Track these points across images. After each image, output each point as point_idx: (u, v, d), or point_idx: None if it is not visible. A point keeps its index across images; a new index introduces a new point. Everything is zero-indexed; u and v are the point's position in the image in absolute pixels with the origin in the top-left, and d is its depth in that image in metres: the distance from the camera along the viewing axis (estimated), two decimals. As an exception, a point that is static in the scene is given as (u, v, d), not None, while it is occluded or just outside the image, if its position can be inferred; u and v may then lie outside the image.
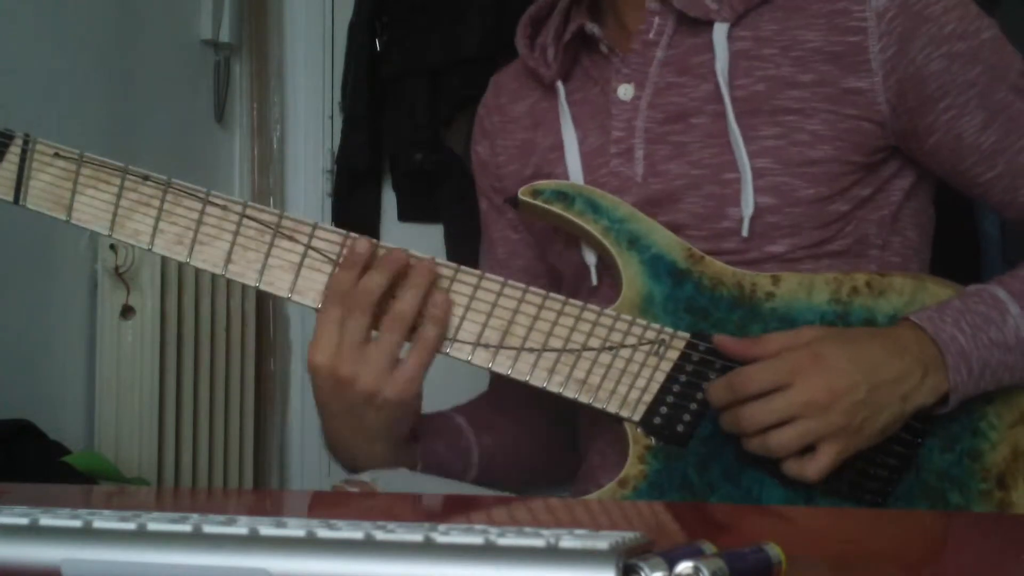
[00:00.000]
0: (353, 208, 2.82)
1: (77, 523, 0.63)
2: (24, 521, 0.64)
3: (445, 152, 2.71)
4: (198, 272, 2.45)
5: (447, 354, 1.14)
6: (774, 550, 0.63)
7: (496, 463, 1.29)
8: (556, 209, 1.17)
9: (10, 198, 1.15)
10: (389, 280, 1.10)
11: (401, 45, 2.78)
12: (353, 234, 1.14)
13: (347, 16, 2.89)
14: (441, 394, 1.35)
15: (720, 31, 1.18)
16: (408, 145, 2.78)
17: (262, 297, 2.75)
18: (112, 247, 2.31)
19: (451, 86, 2.69)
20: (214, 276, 2.49)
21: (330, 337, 1.10)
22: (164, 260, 2.34)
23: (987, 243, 2.02)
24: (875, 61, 1.15)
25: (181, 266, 2.39)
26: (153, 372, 2.33)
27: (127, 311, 2.33)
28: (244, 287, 2.59)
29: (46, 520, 0.64)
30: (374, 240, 1.14)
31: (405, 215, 2.81)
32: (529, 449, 1.34)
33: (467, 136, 2.61)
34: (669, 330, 1.14)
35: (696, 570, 0.58)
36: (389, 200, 2.87)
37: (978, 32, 1.17)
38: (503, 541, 0.58)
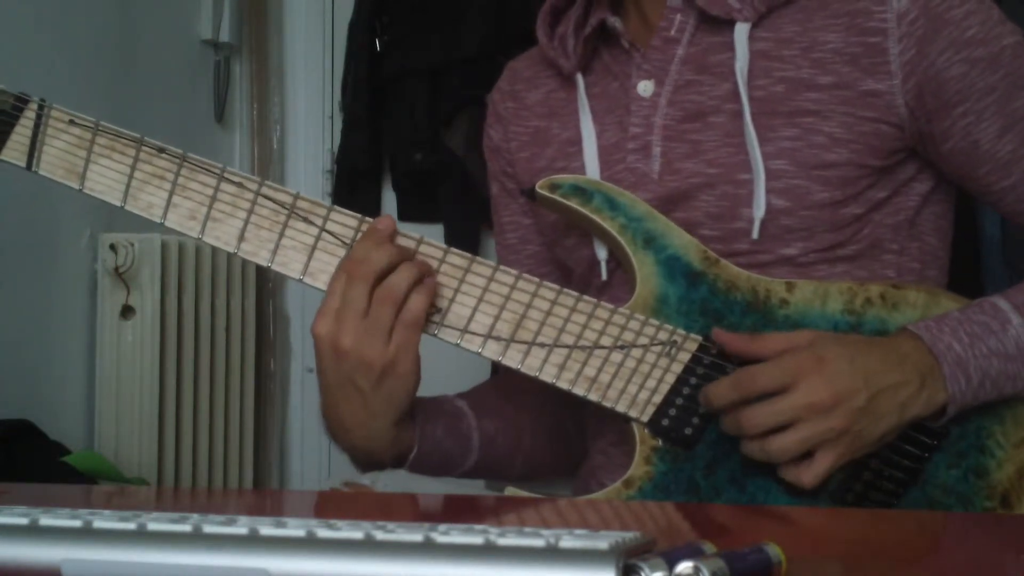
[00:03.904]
0: (353, 208, 2.81)
1: (77, 523, 0.63)
2: (24, 521, 0.64)
3: (445, 152, 2.71)
4: (198, 272, 2.45)
5: (457, 344, 1.14)
6: (774, 550, 0.63)
7: (497, 450, 1.28)
8: (573, 204, 1.16)
9: (23, 164, 1.13)
10: (393, 257, 1.10)
11: (401, 45, 2.78)
12: (368, 218, 1.14)
13: (347, 16, 2.89)
14: (444, 385, 1.36)
15: (741, 31, 1.17)
16: (408, 145, 2.78)
17: (262, 297, 2.75)
18: (112, 247, 2.31)
19: (451, 86, 2.69)
20: (214, 276, 2.50)
21: (332, 305, 1.10)
22: (164, 260, 2.34)
23: (987, 244, 2.02)
24: (894, 63, 1.15)
25: (181, 266, 2.40)
26: (153, 372, 2.33)
27: (127, 311, 2.33)
28: (244, 287, 2.61)
29: (46, 520, 0.64)
30: (394, 219, 1.13)
31: (405, 215, 2.81)
32: (532, 438, 1.33)
33: (467, 136, 2.62)
34: (682, 332, 1.14)
35: (696, 570, 0.58)
36: (389, 200, 2.88)
37: (999, 38, 1.16)
38: (503, 541, 0.58)
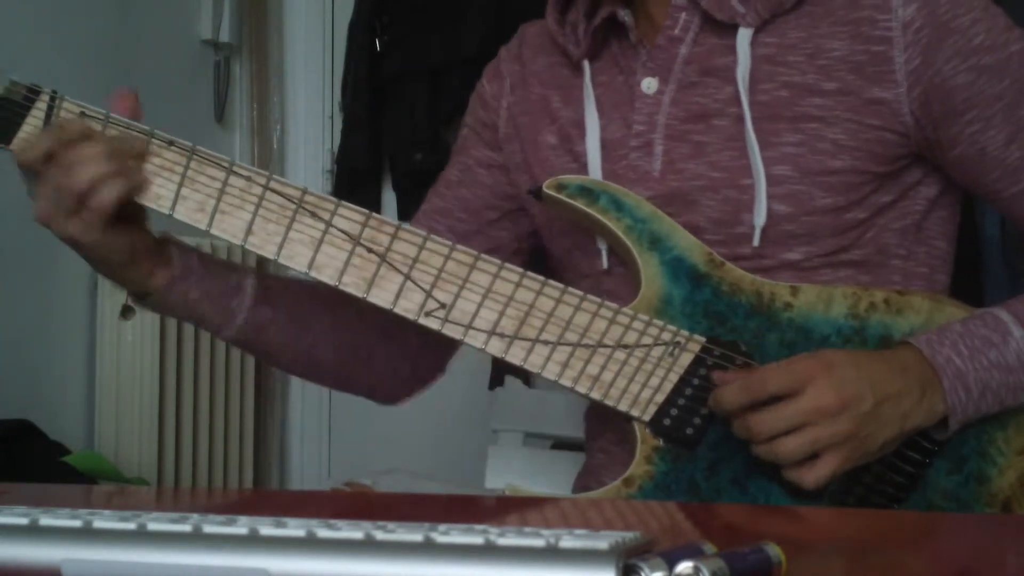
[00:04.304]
0: (353, 208, 2.82)
1: (77, 523, 0.63)
2: (24, 521, 0.65)
3: (445, 152, 2.71)
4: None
5: (461, 340, 1.14)
6: (774, 550, 0.63)
7: (264, 339, 1.27)
8: (580, 204, 1.17)
9: None
10: (60, 144, 1.11)
11: (401, 45, 2.78)
12: (376, 214, 1.14)
13: (347, 16, 2.89)
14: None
15: (744, 37, 1.17)
16: (408, 145, 2.78)
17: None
18: (112, 247, 2.31)
19: (451, 86, 2.69)
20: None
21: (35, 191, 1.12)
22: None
23: (987, 244, 2.02)
24: (900, 72, 1.14)
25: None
26: (153, 372, 2.33)
27: (127, 311, 2.33)
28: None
29: (46, 520, 0.64)
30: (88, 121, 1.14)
31: (405, 215, 2.81)
32: (322, 347, 1.31)
33: (467, 136, 2.62)
34: (685, 332, 1.14)
35: (696, 570, 0.58)
36: (389, 200, 2.88)
37: (1006, 45, 1.16)
38: (503, 541, 0.58)
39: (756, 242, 1.15)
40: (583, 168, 1.23)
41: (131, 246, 1.16)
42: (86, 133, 1.12)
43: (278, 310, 1.27)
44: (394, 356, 1.35)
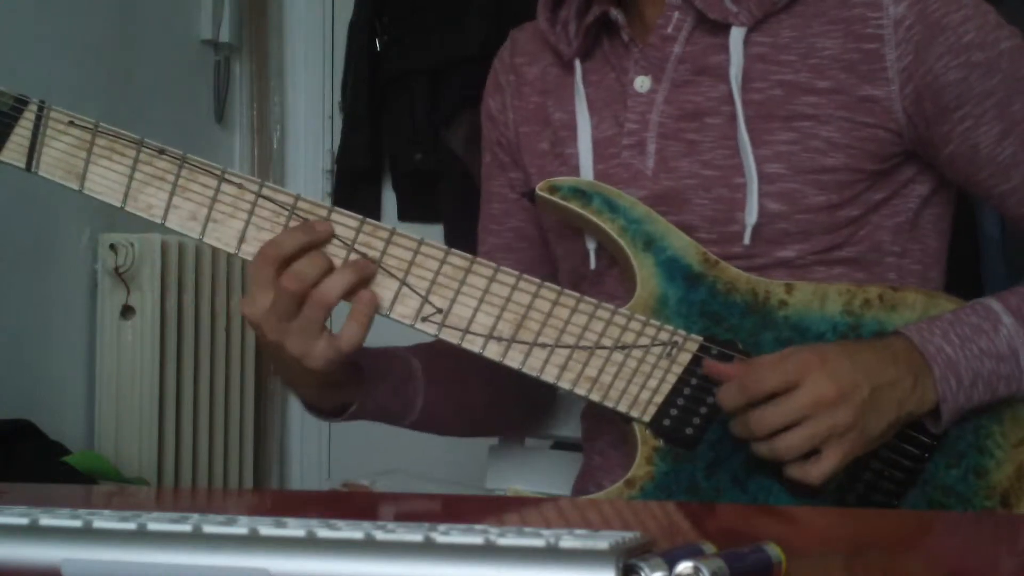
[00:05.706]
0: (353, 208, 2.80)
1: (77, 523, 0.63)
2: (24, 521, 0.65)
3: (445, 152, 2.71)
4: (198, 272, 2.45)
5: (459, 345, 1.14)
6: (774, 550, 0.63)
7: (438, 413, 1.31)
8: (573, 206, 1.17)
9: (22, 165, 1.13)
10: (324, 270, 1.11)
11: (401, 45, 2.78)
12: (370, 220, 1.14)
13: (347, 16, 2.89)
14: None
15: (736, 36, 1.17)
16: (408, 145, 2.78)
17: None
18: (112, 247, 2.31)
19: (451, 86, 2.69)
20: (214, 276, 2.50)
21: (263, 299, 1.10)
22: (164, 260, 2.34)
23: (987, 243, 2.02)
24: (892, 70, 1.15)
25: (181, 266, 2.40)
26: (153, 372, 2.33)
27: (127, 311, 2.33)
28: (244, 287, 2.61)
29: (46, 520, 0.64)
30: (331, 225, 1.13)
31: (405, 215, 2.81)
32: (478, 407, 1.36)
33: (467, 136, 2.62)
34: (682, 332, 1.14)
35: (696, 570, 0.58)
36: (389, 200, 2.88)
37: (997, 42, 1.16)
38: (503, 541, 0.58)
39: (747, 240, 1.15)
40: (575, 169, 1.23)
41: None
42: (328, 236, 1.12)
43: (444, 384, 1.30)
44: (526, 395, 1.37)
